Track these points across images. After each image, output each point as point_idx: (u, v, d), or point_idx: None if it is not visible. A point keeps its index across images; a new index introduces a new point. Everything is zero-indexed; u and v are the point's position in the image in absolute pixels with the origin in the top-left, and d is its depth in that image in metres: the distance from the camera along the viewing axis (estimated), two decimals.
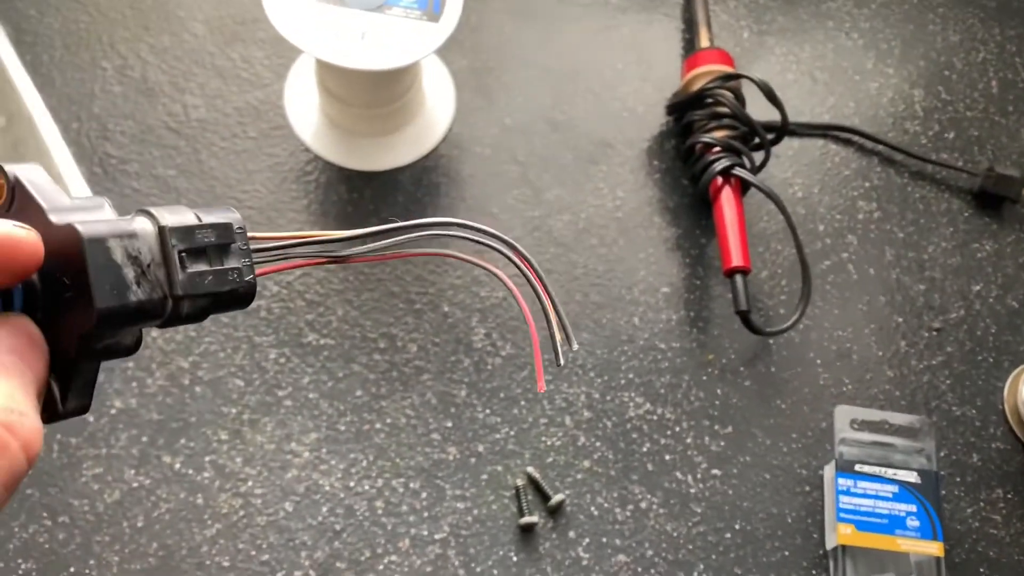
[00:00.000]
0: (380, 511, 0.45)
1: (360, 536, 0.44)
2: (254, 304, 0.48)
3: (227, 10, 0.56)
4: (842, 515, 0.44)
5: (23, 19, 0.55)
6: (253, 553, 0.43)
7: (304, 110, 0.53)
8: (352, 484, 0.45)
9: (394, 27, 0.46)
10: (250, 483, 0.45)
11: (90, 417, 0.45)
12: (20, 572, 0.42)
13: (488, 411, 0.47)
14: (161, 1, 0.56)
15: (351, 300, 0.49)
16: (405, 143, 0.53)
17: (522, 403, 0.48)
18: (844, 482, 0.45)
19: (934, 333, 0.51)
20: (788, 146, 0.56)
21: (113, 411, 0.45)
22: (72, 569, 0.42)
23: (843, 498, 0.45)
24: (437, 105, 0.54)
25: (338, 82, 0.50)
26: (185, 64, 0.54)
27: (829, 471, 0.47)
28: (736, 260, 0.48)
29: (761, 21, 0.60)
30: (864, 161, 0.56)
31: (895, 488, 0.45)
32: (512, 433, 0.47)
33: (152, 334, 0.47)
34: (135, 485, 0.44)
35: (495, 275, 0.27)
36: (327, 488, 0.45)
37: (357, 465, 0.45)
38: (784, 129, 0.51)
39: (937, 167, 0.56)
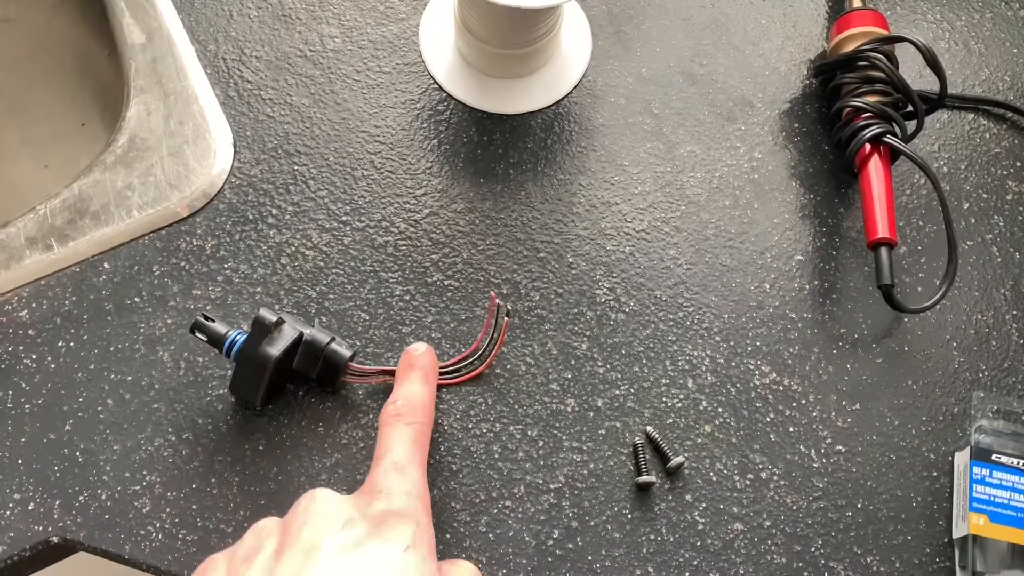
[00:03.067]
0: (497, 455, 0.44)
1: (476, 478, 0.44)
2: (381, 240, 0.48)
3: None
4: (975, 505, 0.43)
5: None
6: None
7: (439, 48, 0.52)
8: (470, 426, 0.45)
9: None
10: (371, 415, 0.45)
11: None
12: (144, 483, 0.43)
13: (608, 366, 0.46)
14: None
15: (476, 243, 0.48)
16: (538, 87, 0.52)
17: (644, 361, 0.47)
18: (979, 471, 0.43)
19: None
20: (936, 118, 0.53)
21: None
22: (194, 485, 0.43)
23: (977, 487, 0.43)
24: (573, 50, 0.53)
25: (479, 19, 0.48)
26: None
27: (961, 458, 0.45)
28: (883, 232, 0.46)
29: None
30: (1017, 139, 0.53)
31: None
32: (632, 391, 0.46)
33: (282, 261, 0.47)
34: (258, 409, 0.44)
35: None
36: (445, 427, 0.45)
37: (476, 407, 0.45)
38: (942, 99, 0.48)
39: None
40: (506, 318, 0.46)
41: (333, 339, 0.43)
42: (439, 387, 0.45)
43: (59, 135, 0.69)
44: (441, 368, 0.45)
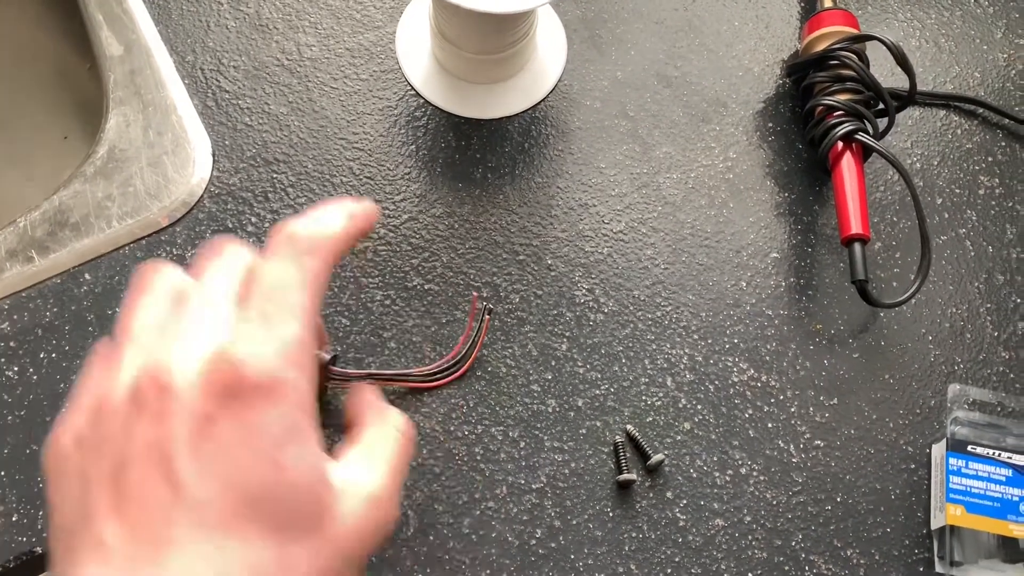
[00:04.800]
0: (479, 457, 0.45)
1: (459, 480, 0.44)
2: (361, 245, 0.48)
3: None
4: (952, 495, 0.43)
5: None
6: None
7: (415, 54, 0.53)
8: (452, 428, 0.45)
9: None
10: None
11: None
12: None
13: (588, 366, 0.47)
14: None
15: (456, 247, 0.49)
16: (515, 92, 0.52)
17: (623, 360, 0.47)
18: (955, 462, 0.44)
19: None
20: (908, 115, 0.54)
21: None
22: None
23: (953, 478, 0.44)
24: (548, 55, 0.53)
25: (454, 26, 0.49)
26: (298, 2, 0.54)
27: (938, 450, 0.45)
28: (856, 228, 0.46)
29: None
30: (988, 135, 0.54)
31: (1008, 472, 0.44)
32: (612, 390, 0.46)
33: None
34: None
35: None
36: (427, 431, 0.45)
37: (457, 410, 0.45)
38: (912, 96, 0.49)
39: None
40: (487, 316, 0.46)
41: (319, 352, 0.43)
42: (422, 390, 0.45)
43: (42, 148, 0.69)
44: (425, 372, 0.45)
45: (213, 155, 0.50)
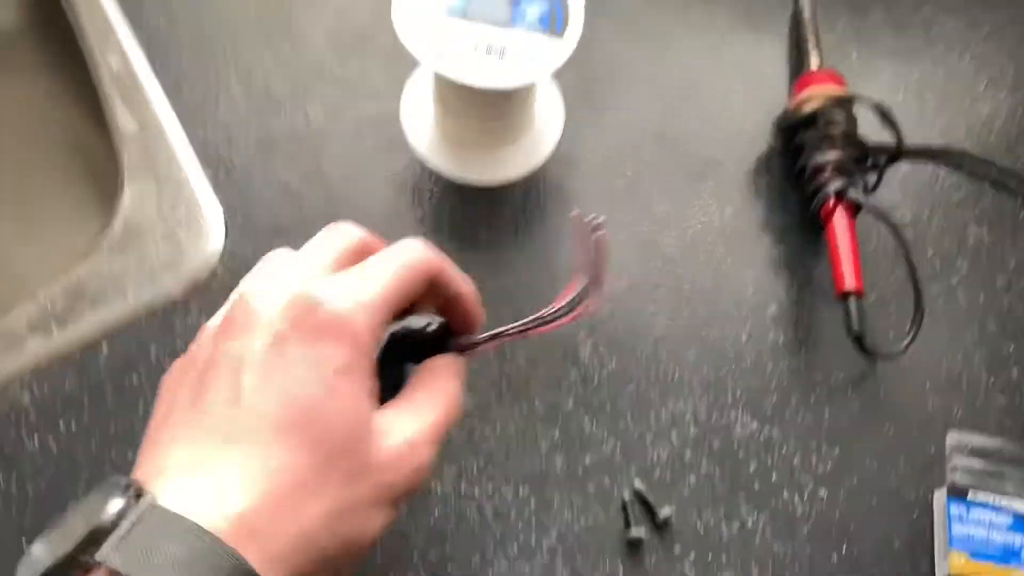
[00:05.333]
0: (490, 517, 0.46)
1: (471, 540, 0.45)
2: None
3: (346, 23, 0.58)
4: (955, 543, 0.44)
5: (154, 31, 0.57)
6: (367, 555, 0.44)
7: (419, 123, 0.55)
8: (463, 489, 0.46)
9: (518, 43, 0.47)
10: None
11: None
12: None
13: (595, 423, 0.48)
14: (283, 13, 0.58)
15: None
16: (516, 157, 0.54)
17: (628, 417, 0.48)
18: (957, 509, 0.45)
19: None
20: (898, 169, 0.55)
21: None
22: None
23: (956, 526, 0.44)
24: (548, 119, 0.55)
25: (457, 97, 0.51)
26: (306, 75, 0.56)
27: (940, 497, 0.46)
28: (850, 283, 0.48)
29: (870, 43, 0.60)
30: (975, 186, 0.55)
31: (1009, 518, 0.45)
32: (619, 446, 0.47)
33: None
34: None
35: None
36: (439, 492, 0.46)
37: (468, 471, 0.46)
38: (899, 152, 0.51)
39: None
40: (600, 232, 0.38)
41: (428, 323, 0.39)
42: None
43: (56, 218, 0.71)
44: (552, 312, 0.38)
45: (226, 226, 0.52)
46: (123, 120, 0.54)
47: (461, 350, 0.39)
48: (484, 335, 0.39)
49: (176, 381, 0.33)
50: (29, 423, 0.46)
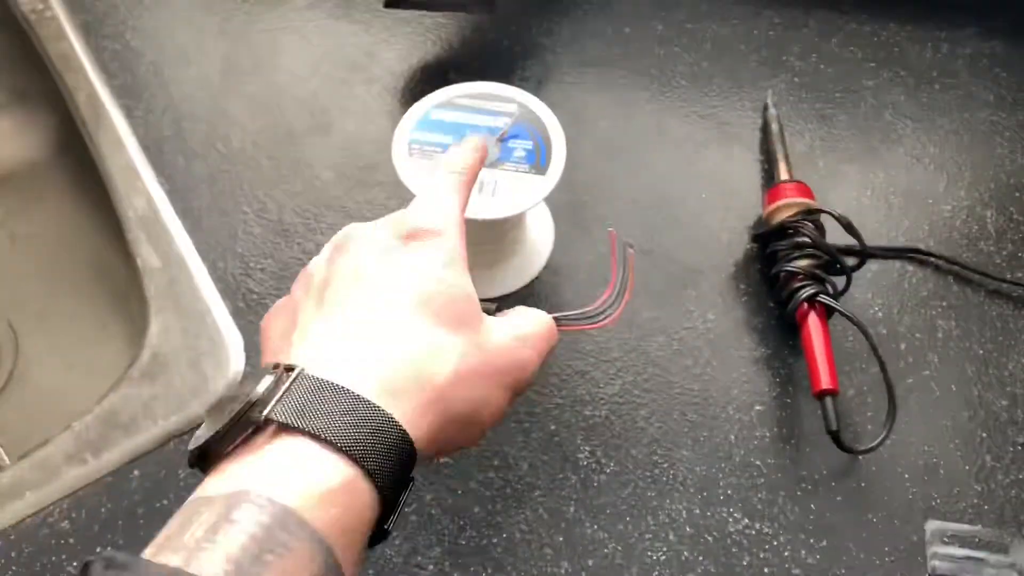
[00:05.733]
0: None
1: None
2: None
3: (351, 158, 0.63)
4: None
5: (174, 170, 0.63)
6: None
7: None
8: None
9: (507, 180, 0.51)
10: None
11: None
12: None
13: (596, 526, 0.51)
14: (293, 152, 0.63)
15: None
16: (511, 272, 0.59)
17: (627, 519, 0.51)
18: None
19: (1019, 448, 0.54)
20: (867, 268, 0.59)
21: None
22: None
23: None
24: (539, 238, 0.60)
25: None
26: (316, 206, 0.61)
27: None
28: (825, 383, 0.51)
29: (836, 150, 0.64)
30: (941, 281, 0.59)
31: None
32: (619, 548, 0.50)
33: None
34: None
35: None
36: None
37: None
38: (864, 256, 0.55)
39: (1012, 285, 0.59)
40: (630, 250, 0.45)
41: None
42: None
43: (82, 337, 0.75)
44: (575, 315, 0.44)
45: (245, 351, 0.56)
46: (148, 256, 0.59)
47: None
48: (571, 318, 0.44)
49: (286, 311, 0.39)
50: (69, 549, 0.50)
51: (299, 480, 0.30)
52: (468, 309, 0.37)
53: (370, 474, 0.31)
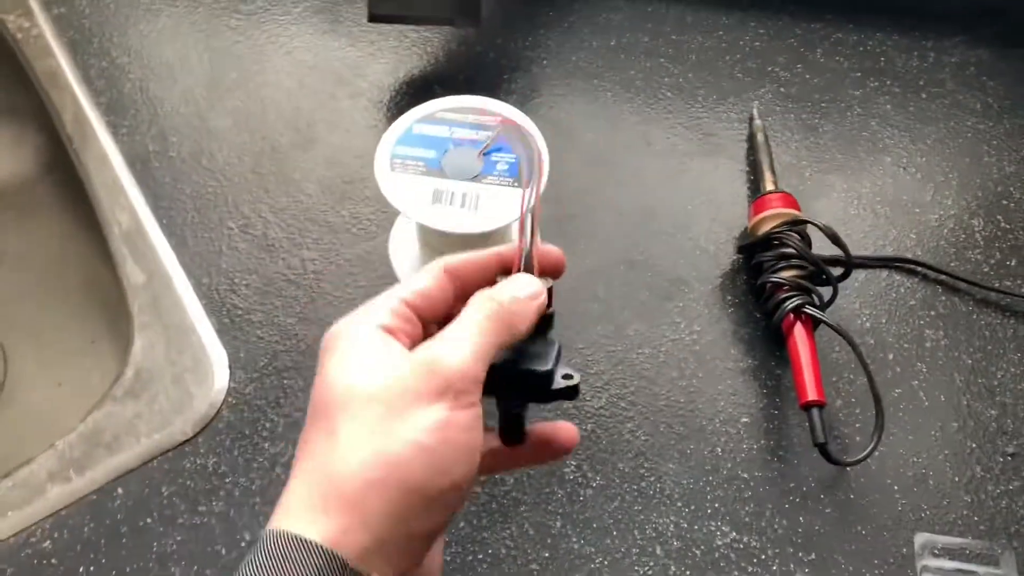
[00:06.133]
0: None
1: None
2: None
3: (336, 172, 0.63)
4: None
5: (159, 186, 0.62)
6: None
7: (406, 259, 0.59)
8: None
9: (489, 194, 0.51)
10: None
11: (223, 549, 0.50)
12: None
13: (582, 541, 0.51)
14: (278, 166, 0.63)
15: None
16: None
17: (614, 533, 0.51)
18: None
19: (1009, 458, 0.53)
20: (854, 278, 0.59)
21: (243, 544, 0.50)
22: None
23: None
24: None
25: (438, 240, 0.55)
26: (301, 221, 0.61)
27: None
28: (811, 395, 0.51)
29: (822, 160, 0.64)
30: (928, 291, 0.59)
31: None
32: (606, 563, 0.50)
33: (276, 471, 0.52)
34: None
35: None
36: None
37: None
38: (849, 267, 0.55)
39: (1001, 294, 0.58)
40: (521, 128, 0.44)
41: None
42: None
43: (71, 353, 0.75)
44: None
45: (229, 368, 0.56)
46: (132, 273, 0.59)
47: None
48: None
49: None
50: (50, 569, 0.49)
51: None
52: (325, 398, 0.32)
53: None
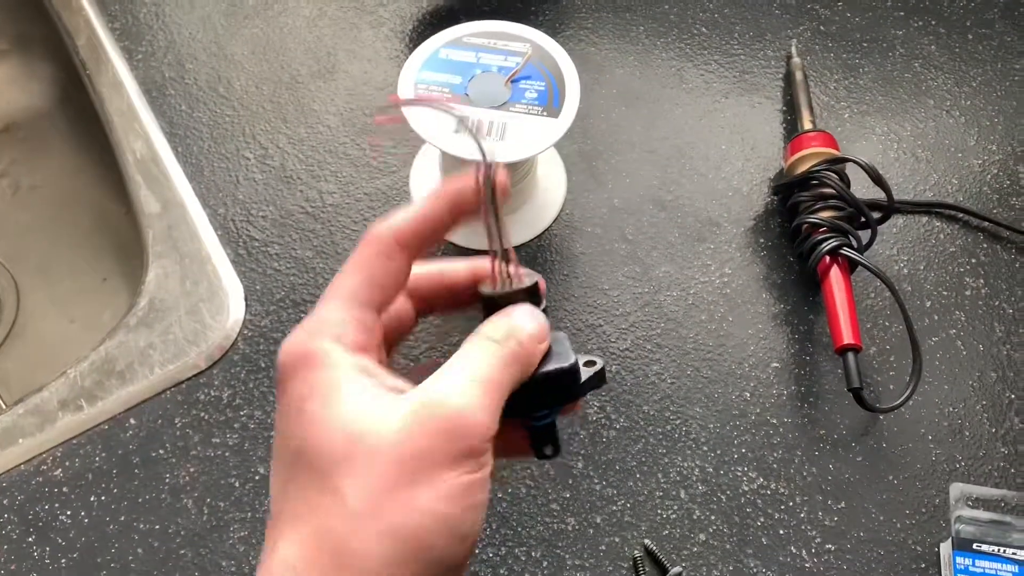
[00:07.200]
0: None
1: None
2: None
3: (357, 103, 0.61)
4: None
5: (175, 114, 0.61)
6: None
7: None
8: (477, 551, 0.47)
9: (517, 122, 0.49)
10: None
11: (236, 482, 0.49)
12: None
13: (605, 483, 0.49)
14: (297, 96, 0.61)
15: None
16: (521, 224, 0.56)
17: (637, 475, 0.50)
18: (962, 561, 0.46)
19: None
20: (892, 224, 0.57)
21: (257, 477, 0.49)
22: None
23: None
24: (550, 187, 0.58)
25: (460, 169, 0.53)
26: (320, 153, 0.59)
27: (945, 549, 0.47)
28: (847, 338, 0.49)
29: (861, 102, 0.62)
30: (969, 237, 0.57)
31: (1015, 568, 0.45)
32: (628, 505, 0.49)
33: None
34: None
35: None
36: None
37: (482, 533, 0.48)
38: (890, 210, 0.53)
39: None
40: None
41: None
42: None
43: (83, 290, 0.74)
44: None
45: (245, 299, 0.54)
46: (147, 201, 0.57)
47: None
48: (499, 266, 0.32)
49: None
50: (62, 497, 0.49)
51: None
52: (331, 446, 0.28)
53: None
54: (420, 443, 0.27)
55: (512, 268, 0.32)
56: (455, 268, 0.34)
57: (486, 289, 0.32)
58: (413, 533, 0.26)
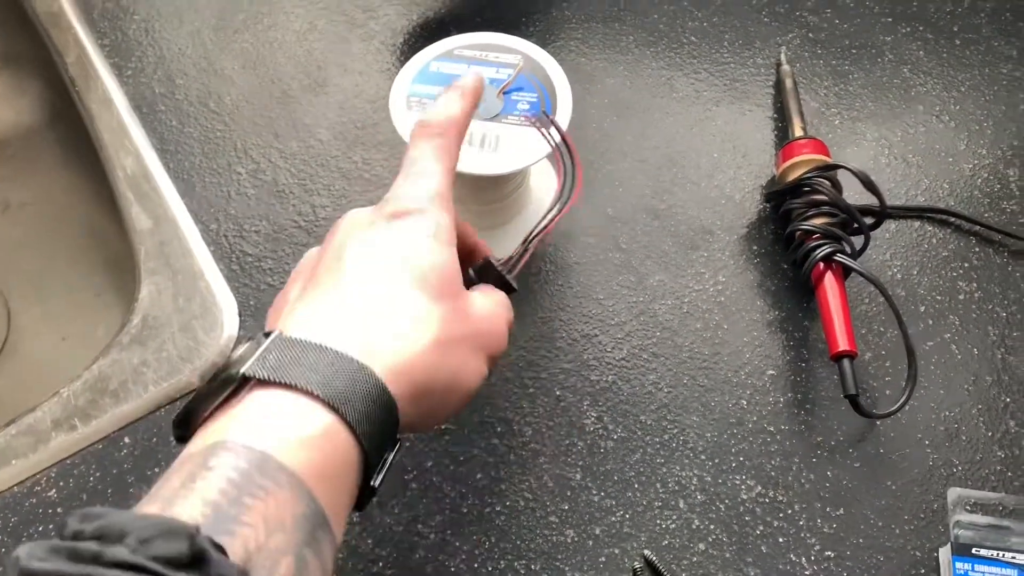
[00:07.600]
0: None
1: None
2: None
3: (348, 117, 0.61)
4: None
5: (166, 129, 0.60)
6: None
7: None
8: (476, 566, 0.47)
9: (509, 134, 0.49)
10: (380, 564, 0.47)
11: None
12: None
13: (603, 494, 0.49)
14: (288, 110, 0.61)
15: None
16: (514, 234, 0.56)
17: (636, 486, 0.49)
18: (961, 566, 0.46)
19: None
20: (885, 228, 0.57)
21: None
22: None
23: None
24: (544, 197, 0.58)
25: (455, 182, 0.53)
26: (312, 167, 0.59)
27: (944, 554, 0.47)
28: (842, 344, 0.49)
29: (852, 108, 0.62)
30: (962, 242, 0.57)
31: (1015, 572, 0.45)
32: (627, 516, 0.49)
33: None
34: None
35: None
36: (452, 569, 0.47)
37: (480, 547, 0.48)
38: (883, 215, 0.53)
39: None
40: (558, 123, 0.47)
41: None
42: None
43: (76, 306, 0.74)
44: (553, 204, 0.44)
45: (239, 315, 0.54)
46: (138, 218, 0.57)
47: (509, 270, 0.42)
48: (516, 249, 0.43)
49: (283, 292, 0.39)
50: (57, 518, 0.48)
51: (276, 427, 0.30)
52: (453, 276, 0.37)
53: (348, 422, 0.31)
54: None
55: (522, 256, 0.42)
56: (474, 234, 0.44)
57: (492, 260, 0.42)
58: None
